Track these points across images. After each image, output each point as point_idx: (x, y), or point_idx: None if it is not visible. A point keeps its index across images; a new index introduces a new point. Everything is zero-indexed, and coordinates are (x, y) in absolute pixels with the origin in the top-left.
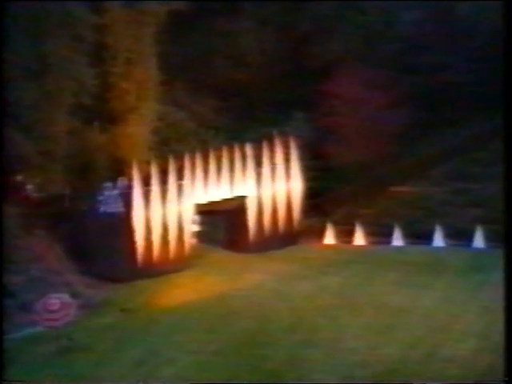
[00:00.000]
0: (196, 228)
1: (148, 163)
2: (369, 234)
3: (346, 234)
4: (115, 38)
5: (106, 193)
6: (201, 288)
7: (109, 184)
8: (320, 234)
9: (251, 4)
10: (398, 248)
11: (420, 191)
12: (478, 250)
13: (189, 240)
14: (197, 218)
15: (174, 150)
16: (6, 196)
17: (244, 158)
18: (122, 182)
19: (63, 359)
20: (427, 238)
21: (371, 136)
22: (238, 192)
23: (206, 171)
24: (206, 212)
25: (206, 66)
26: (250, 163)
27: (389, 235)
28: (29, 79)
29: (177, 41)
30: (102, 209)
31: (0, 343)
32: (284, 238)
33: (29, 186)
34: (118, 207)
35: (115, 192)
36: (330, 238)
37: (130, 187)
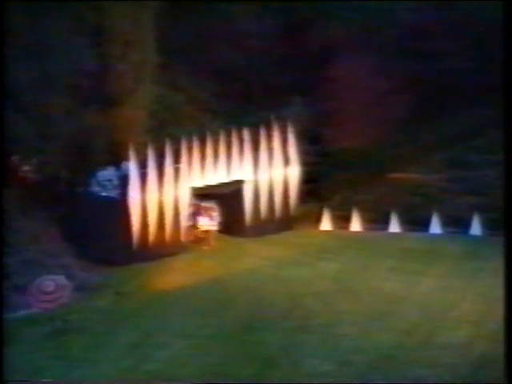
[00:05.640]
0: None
1: (145, 146)
2: (366, 220)
3: (342, 220)
4: (113, 19)
5: (102, 175)
6: (196, 272)
7: (105, 166)
8: (317, 219)
9: None
10: (394, 234)
11: (418, 178)
12: (475, 237)
13: (185, 224)
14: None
15: (171, 133)
16: (3, 177)
17: (241, 142)
18: (118, 164)
19: (58, 341)
20: (424, 224)
21: (370, 122)
22: (234, 176)
23: (202, 155)
24: (202, 196)
25: (205, 50)
26: (248, 147)
27: (386, 222)
28: (28, 60)
29: (175, 24)
30: (98, 191)
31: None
32: (280, 222)
33: (25, 168)
34: (114, 190)
35: (111, 175)
36: (326, 224)
37: (126, 170)
